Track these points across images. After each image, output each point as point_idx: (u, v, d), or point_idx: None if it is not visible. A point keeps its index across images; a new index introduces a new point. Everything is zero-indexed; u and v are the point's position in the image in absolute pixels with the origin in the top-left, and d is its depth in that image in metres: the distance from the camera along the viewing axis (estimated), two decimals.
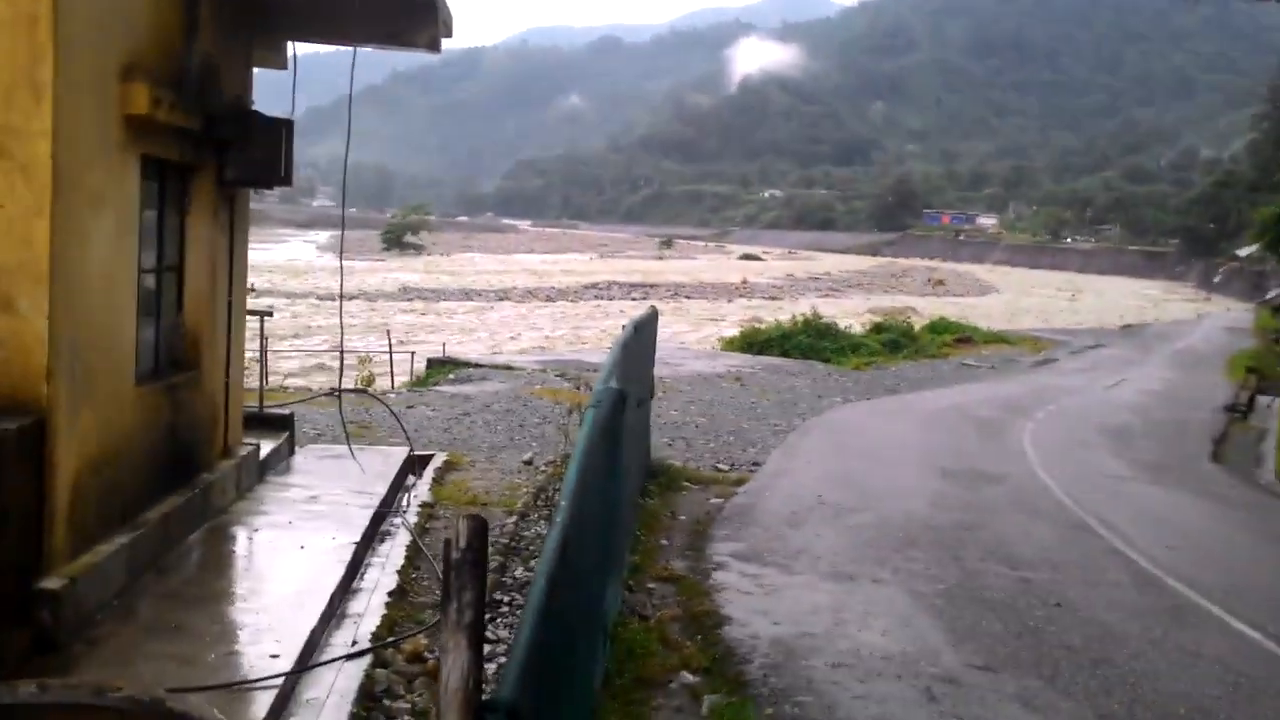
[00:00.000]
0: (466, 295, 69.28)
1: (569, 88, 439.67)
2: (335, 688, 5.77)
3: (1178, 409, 28.25)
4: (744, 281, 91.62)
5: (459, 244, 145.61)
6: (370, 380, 22.79)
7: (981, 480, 14.81)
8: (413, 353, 26.71)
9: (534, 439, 15.25)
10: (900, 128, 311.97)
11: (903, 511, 11.96)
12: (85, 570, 6.24)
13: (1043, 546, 10.84)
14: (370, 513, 9.22)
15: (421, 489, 11.22)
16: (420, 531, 9.20)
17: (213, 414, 9.14)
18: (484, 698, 2.91)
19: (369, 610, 7.12)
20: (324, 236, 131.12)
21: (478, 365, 25.76)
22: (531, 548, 9.05)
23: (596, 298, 72.58)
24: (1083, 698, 6.66)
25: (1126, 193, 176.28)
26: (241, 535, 8.51)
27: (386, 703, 5.85)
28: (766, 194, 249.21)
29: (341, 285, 14.04)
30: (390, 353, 25.64)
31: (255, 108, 9.81)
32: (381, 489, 10.40)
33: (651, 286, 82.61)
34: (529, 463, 13.24)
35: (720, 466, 14.63)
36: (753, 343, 37.26)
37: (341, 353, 14.67)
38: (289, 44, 10.86)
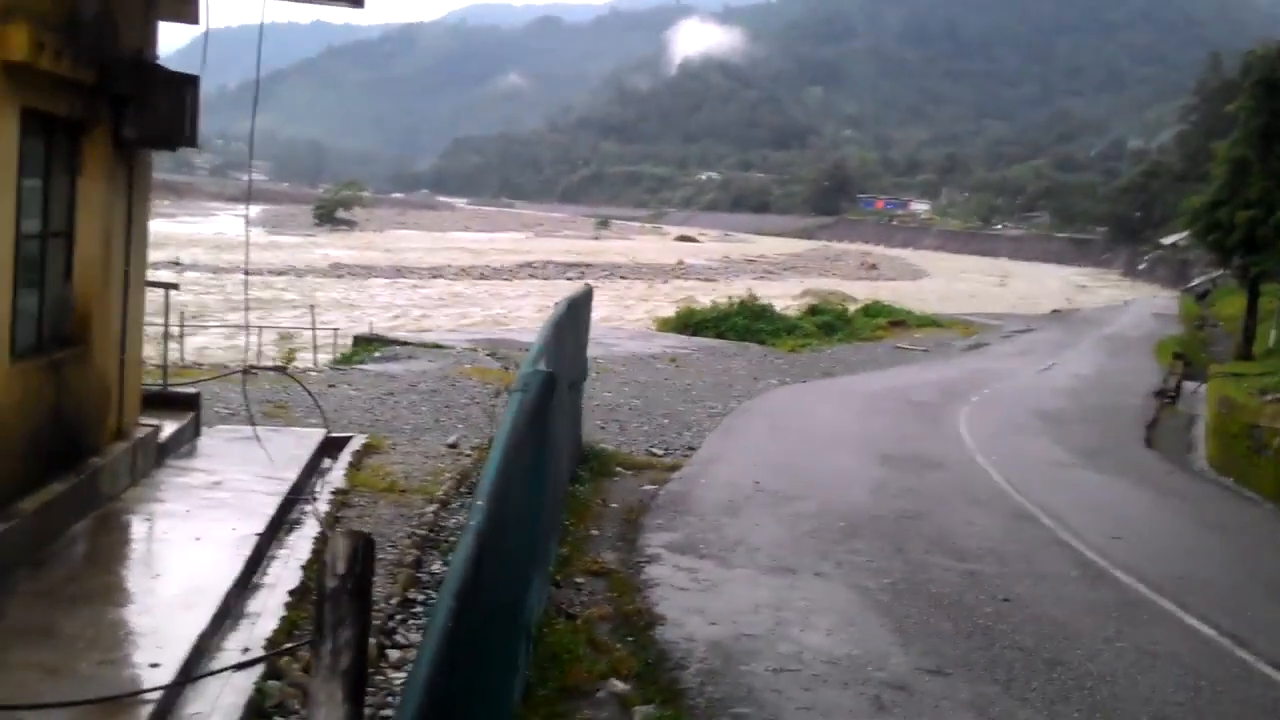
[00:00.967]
0: (399, 272, 68.02)
1: (508, 66, 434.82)
2: (220, 703, 5.12)
3: (1109, 394, 28.31)
4: (680, 262, 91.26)
5: (393, 221, 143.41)
6: (291, 358, 21.88)
7: (922, 466, 14.45)
8: (336, 329, 25.75)
9: (460, 420, 14.60)
10: (837, 113, 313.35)
11: (844, 499, 11.53)
12: None
13: (987, 537, 10.46)
14: (278, 500, 8.54)
15: (337, 474, 10.53)
16: (332, 521, 8.54)
17: (104, 393, 8.39)
18: None
19: (267, 611, 6.46)
20: (255, 211, 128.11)
21: (405, 343, 24.94)
22: (453, 538, 8.42)
23: (531, 276, 71.73)
24: (1040, 705, 6.23)
25: (1056, 181, 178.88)
26: (132, 525, 7.80)
27: None
28: (704, 176, 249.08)
29: (247, 257, 13.35)
30: (314, 329, 24.71)
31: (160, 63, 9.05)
32: (292, 474, 9.72)
33: (587, 266, 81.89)
34: (454, 446, 12.60)
35: (655, 451, 14.09)
36: (688, 324, 36.83)
37: (247, 328, 13.88)
38: None
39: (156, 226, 14.01)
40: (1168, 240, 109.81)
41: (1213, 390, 26.77)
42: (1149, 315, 62.30)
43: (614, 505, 10.59)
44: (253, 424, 10.78)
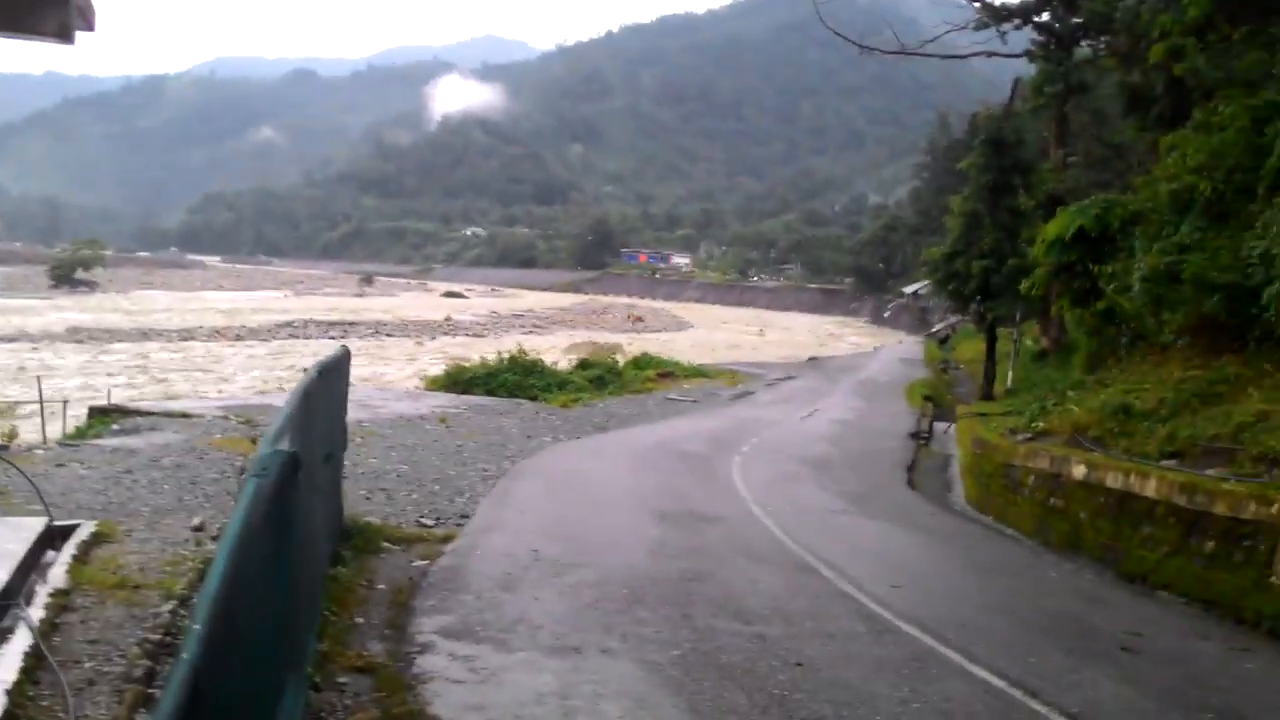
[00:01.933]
0: (144, 335, 63.76)
1: (261, 120, 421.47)
2: None
3: (869, 438, 29.27)
4: (448, 318, 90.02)
5: (138, 280, 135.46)
6: (12, 435, 19.66)
7: (700, 522, 14.21)
8: (65, 401, 23.44)
9: (207, 499, 13.28)
10: (598, 170, 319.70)
11: (624, 564, 11.05)
12: None
13: (772, 595, 10.20)
14: None
15: (58, 570, 9.19)
16: (48, 629, 7.34)
17: None
18: None
19: None
20: None
21: (149, 413, 22.93)
22: None
23: (291, 336, 68.79)
24: None
25: (805, 235, 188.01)
26: None
27: None
28: (469, 231, 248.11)
29: None
30: (41, 401, 22.39)
31: None
32: (3, 573, 8.39)
33: (351, 324, 79.46)
34: (199, 529, 11.36)
35: (425, 521, 13.22)
36: (458, 381, 35.90)
37: None
38: None
39: None
40: (909, 289, 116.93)
41: (962, 431, 28.09)
42: (897, 360, 65.68)
43: (381, 586, 9.70)
44: None
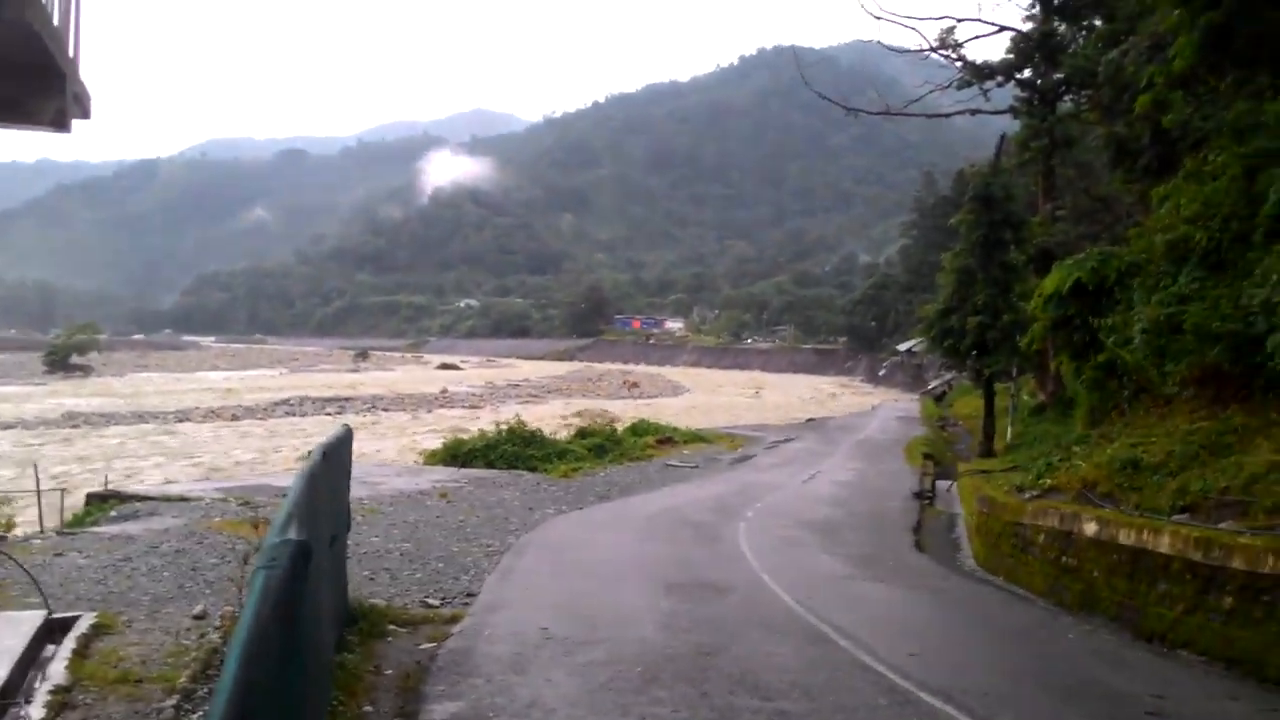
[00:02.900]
0: (140, 418, 63.46)
1: (253, 200, 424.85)
2: None
3: (873, 499, 29.06)
4: (444, 391, 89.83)
5: (132, 363, 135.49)
6: (9, 525, 19.42)
7: (710, 593, 13.99)
8: (63, 489, 23.20)
9: (208, 585, 13.07)
10: (589, 238, 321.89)
11: (636, 640, 10.82)
12: None
13: (788, 668, 9.97)
14: None
15: (57, 666, 8.98)
16: None
17: None
18: None
19: None
20: None
21: (147, 498, 22.71)
22: None
23: (288, 414, 68.53)
24: None
25: (797, 296, 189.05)
26: None
27: None
28: (462, 303, 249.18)
29: None
30: (38, 489, 22.15)
31: None
32: (2, 670, 8.20)
33: (347, 400, 79.31)
34: (201, 617, 11.16)
35: (430, 601, 12.98)
36: (457, 454, 35.68)
37: None
38: None
39: None
40: (903, 347, 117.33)
41: (965, 489, 27.91)
42: (895, 419, 65.58)
43: (389, 672, 9.47)
44: None
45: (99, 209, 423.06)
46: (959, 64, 41.83)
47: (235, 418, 65.18)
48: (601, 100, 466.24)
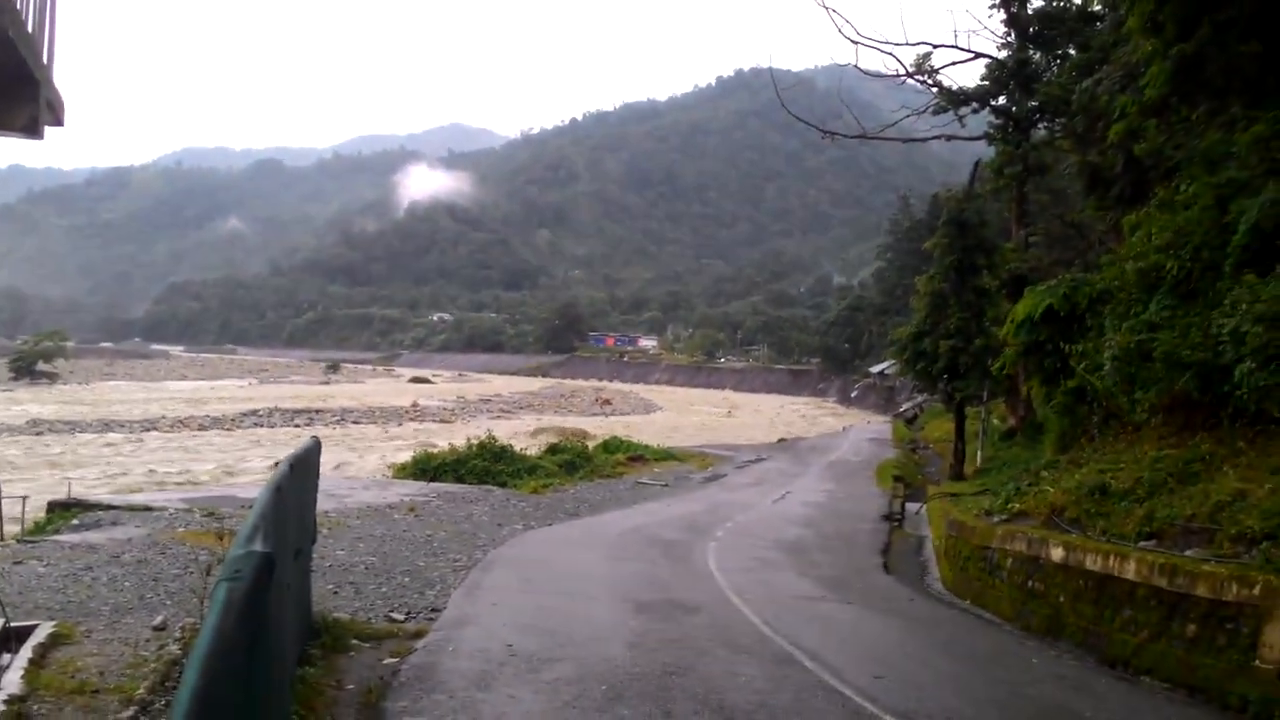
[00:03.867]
0: (106, 426, 62.85)
1: (227, 210, 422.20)
2: None
3: (842, 520, 29.09)
4: (414, 404, 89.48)
5: (100, 371, 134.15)
6: None
7: (678, 611, 13.92)
8: (24, 497, 22.86)
9: (170, 596, 12.90)
10: (565, 254, 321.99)
11: (603, 658, 10.74)
12: None
13: (754, 689, 9.92)
14: None
15: (13, 676, 8.81)
16: None
17: None
18: None
19: None
20: None
21: (110, 507, 22.44)
22: None
23: (256, 425, 68.07)
24: None
25: (772, 316, 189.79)
26: None
27: None
28: (436, 317, 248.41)
29: None
30: None
31: None
32: None
33: (317, 412, 78.85)
34: (161, 628, 11.00)
35: (395, 616, 12.84)
36: (426, 468, 35.49)
37: None
38: None
39: None
40: (876, 369, 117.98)
41: (933, 512, 28.02)
42: (866, 440, 65.77)
43: (350, 687, 9.34)
44: None
45: (71, 216, 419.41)
46: (935, 89, 42.13)
47: (203, 428, 64.65)
48: (579, 118, 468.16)
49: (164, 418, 69.52)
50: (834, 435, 73.01)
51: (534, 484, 33.49)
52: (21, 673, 8.89)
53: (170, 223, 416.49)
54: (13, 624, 10.24)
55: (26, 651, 9.57)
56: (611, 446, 47.32)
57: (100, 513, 21.38)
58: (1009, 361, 25.68)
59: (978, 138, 43.71)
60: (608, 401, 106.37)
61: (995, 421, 44.96)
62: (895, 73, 40.71)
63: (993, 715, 9.75)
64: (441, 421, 75.05)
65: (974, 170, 45.56)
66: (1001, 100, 41.65)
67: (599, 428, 65.49)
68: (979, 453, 40.23)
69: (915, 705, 9.66)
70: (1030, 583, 15.53)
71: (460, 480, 33.54)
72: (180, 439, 57.67)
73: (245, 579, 4.63)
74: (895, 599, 17.58)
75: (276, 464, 8.42)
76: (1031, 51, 40.83)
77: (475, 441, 37.99)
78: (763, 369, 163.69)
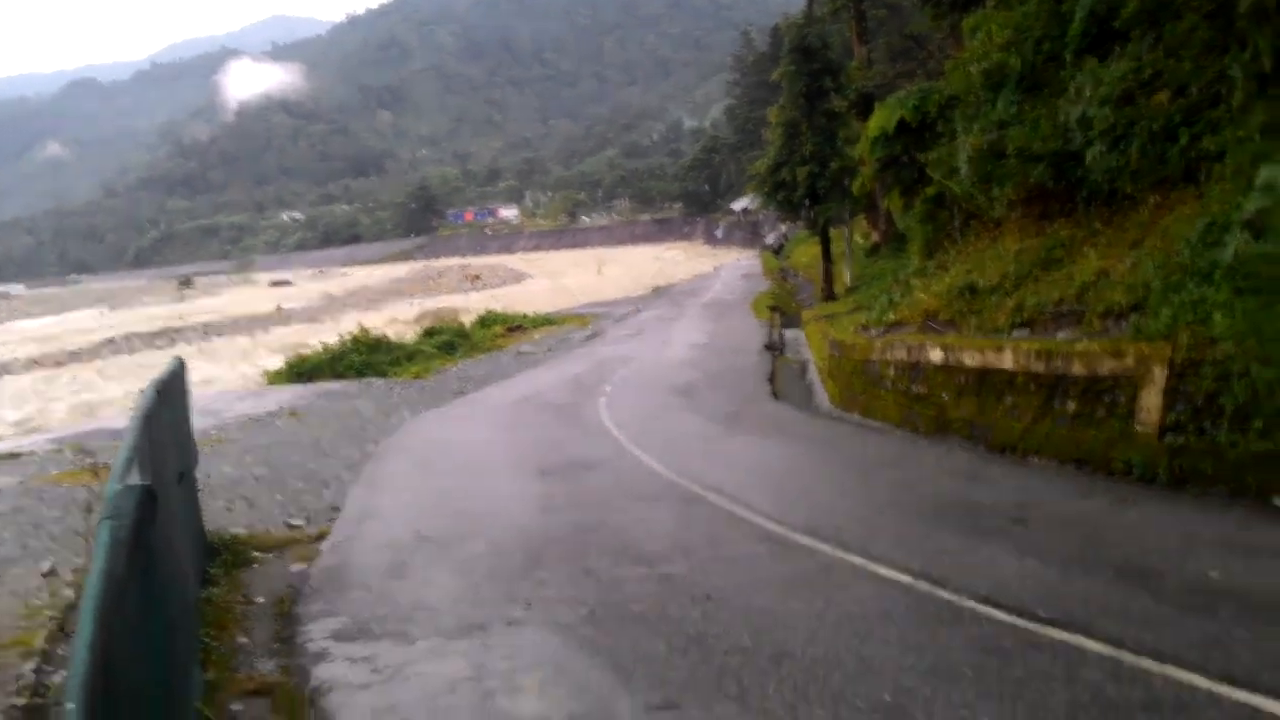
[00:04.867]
0: None
1: (44, 136, 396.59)
2: None
3: (726, 357, 29.49)
4: (279, 309, 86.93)
5: None
6: None
7: (580, 471, 13.95)
8: None
9: (54, 540, 12.30)
10: (410, 135, 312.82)
11: (514, 528, 10.69)
12: None
13: (667, 533, 10.01)
14: None
15: None
16: None
17: None
18: None
19: None
20: None
21: None
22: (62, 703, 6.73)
23: (115, 353, 65.22)
24: (784, 712, 5.70)
25: (628, 169, 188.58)
26: None
27: None
28: (286, 217, 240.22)
29: None
30: None
31: None
32: None
33: (177, 331, 75.90)
34: (51, 573, 10.50)
35: (294, 522, 12.53)
36: (301, 371, 34.63)
37: None
38: None
39: None
40: (737, 205, 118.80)
41: (812, 335, 28.57)
42: (738, 277, 66.57)
43: (260, 599, 9.10)
44: None
45: None
46: None
47: (59, 364, 61.73)
48: None
49: (16, 359, 66.15)
50: (706, 276, 73.64)
51: (415, 369, 33.04)
52: None
53: None
54: None
55: None
56: (488, 320, 46.89)
57: None
58: (868, 179, 25.95)
59: None
60: (477, 277, 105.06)
61: (859, 240, 45.77)
62: None
63: (896, 518, 10.04)
64: (311, 321, 73.13)
65: None
66: None
67: (472, 304, 64.67)
68: (847, 272, 40.99)
69: (823, 521, 9.87)
70: (914, 387, 15.97)
71: (339, 377, 32.86)
72: (36, 379, 55.05)
73: (127, 515, 4.35)
74: (788, 423, 17.94)
75: (141, 391, 7.93)
76: None
77: (349, 336, 37.15)
78: (627, 222, 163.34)
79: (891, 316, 18.67)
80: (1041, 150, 15.25)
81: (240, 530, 11.79)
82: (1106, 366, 11.60)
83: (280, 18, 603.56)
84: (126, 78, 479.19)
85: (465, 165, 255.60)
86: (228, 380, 42.47)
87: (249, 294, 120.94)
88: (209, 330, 73.63)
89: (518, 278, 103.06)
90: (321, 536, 11.36)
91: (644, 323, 43.76)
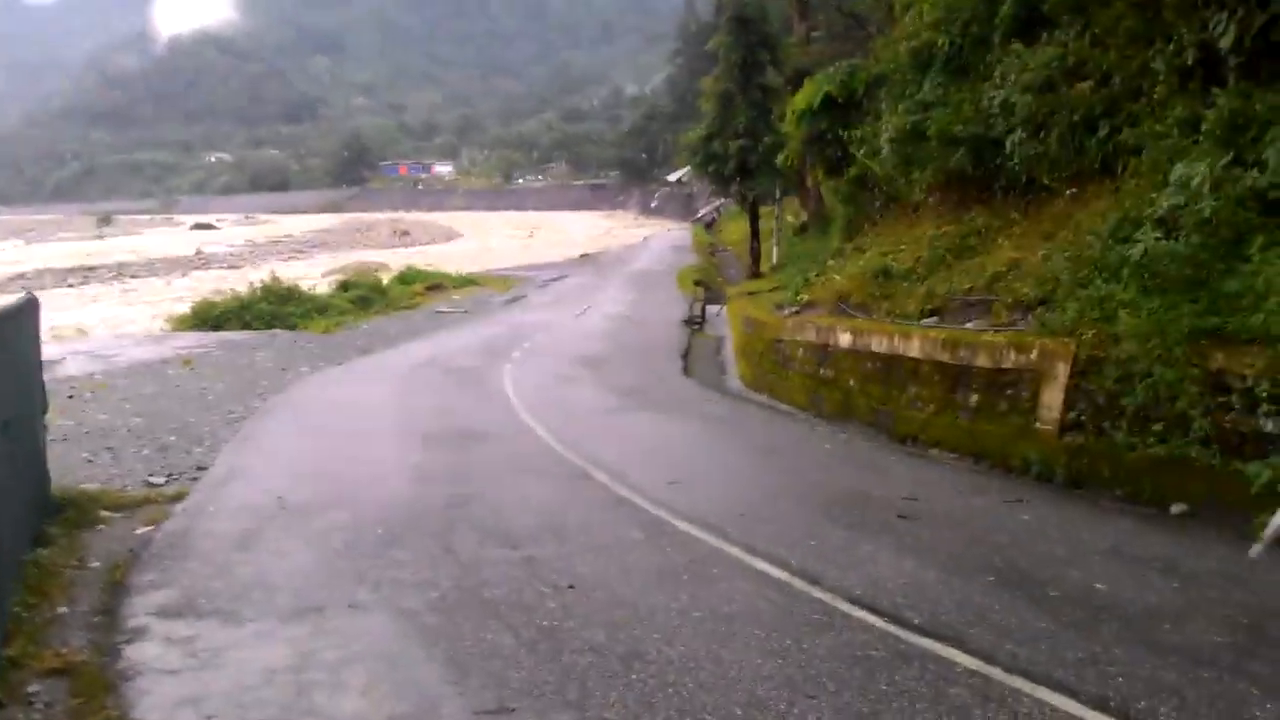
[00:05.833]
0: None
1: None
2: None
3: (643, 330, 29.06)
4: (199, 253, 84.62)
5: None
6: None
7: (468, 441, 13.36)
8: None
9: None
10: (346, 82, 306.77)
11: (383, 499, 10.07)
12: None
13: (543, 510, 9.50)
14: None
15: None
16: None
17: None
18: None
19: None
20: None
21: None
22: None
23: (24, 289, 62.84)
24: None
25: (567, 132, 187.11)
26: None
27: None
28: (213, 158, 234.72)
29: None
30: None
31: None
32: None
33: (91, 269, 73.41)
34: None
35: (153, 480, 11.76)
36: (207, 319, 33.34)
37: None
38: None
39: None
40: (672, 177, 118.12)
41: (733, 311, 28.21)
42: (668, 249, 66.10)
43: (95, 564, 8.39)
44: None
45: None
46: None
47: None
48: None
49: None
50: (635, 246, 73.06)
51: (325, 323, 32.06)
52: None
53: None
54: None
55: None
56: (408, 278, 45.84)
57: None
58: (793, 154, 25.53)
59: None
60: (406, 233, 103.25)
61: (789, 219, 45.51)
62: None
63: (785, 508, 9.63)
64: (230, 268, 71.13)
65: None
66: None
67: (399, 261, 63.38)
68: (775, 250, 40.71)
69: (709, 508, 9.43)
70: (821, 370, 15.63)
71: (247, 326, 31.79)
72: None
73: None
74: (693, 402, 17.51)
75: None
76: None
77: (260, 285, 35.94)
78: (562, 186, 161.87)
79: (805, 297, 18.32)
80: (963, 135, 14.91)
81: (93, 486, 11.02)
82: (1011, 359, 11.31)
83: None
84: (53, 1, 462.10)
85: (401, 118, 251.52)
86: (137, 323, 41.02)
87: (170, 236, 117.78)
88: (124, 270, 71.36)
89: (448, 236, 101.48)
90: (179, 497, 10.63)
91: (567, 290, 43.12)
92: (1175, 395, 9.13)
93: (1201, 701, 5.26)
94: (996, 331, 11.94)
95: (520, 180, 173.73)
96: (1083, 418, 10.30)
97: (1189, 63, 11.36)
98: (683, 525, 8.86)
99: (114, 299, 50.81)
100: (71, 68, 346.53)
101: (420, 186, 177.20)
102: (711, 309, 32.94)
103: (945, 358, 12.42)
